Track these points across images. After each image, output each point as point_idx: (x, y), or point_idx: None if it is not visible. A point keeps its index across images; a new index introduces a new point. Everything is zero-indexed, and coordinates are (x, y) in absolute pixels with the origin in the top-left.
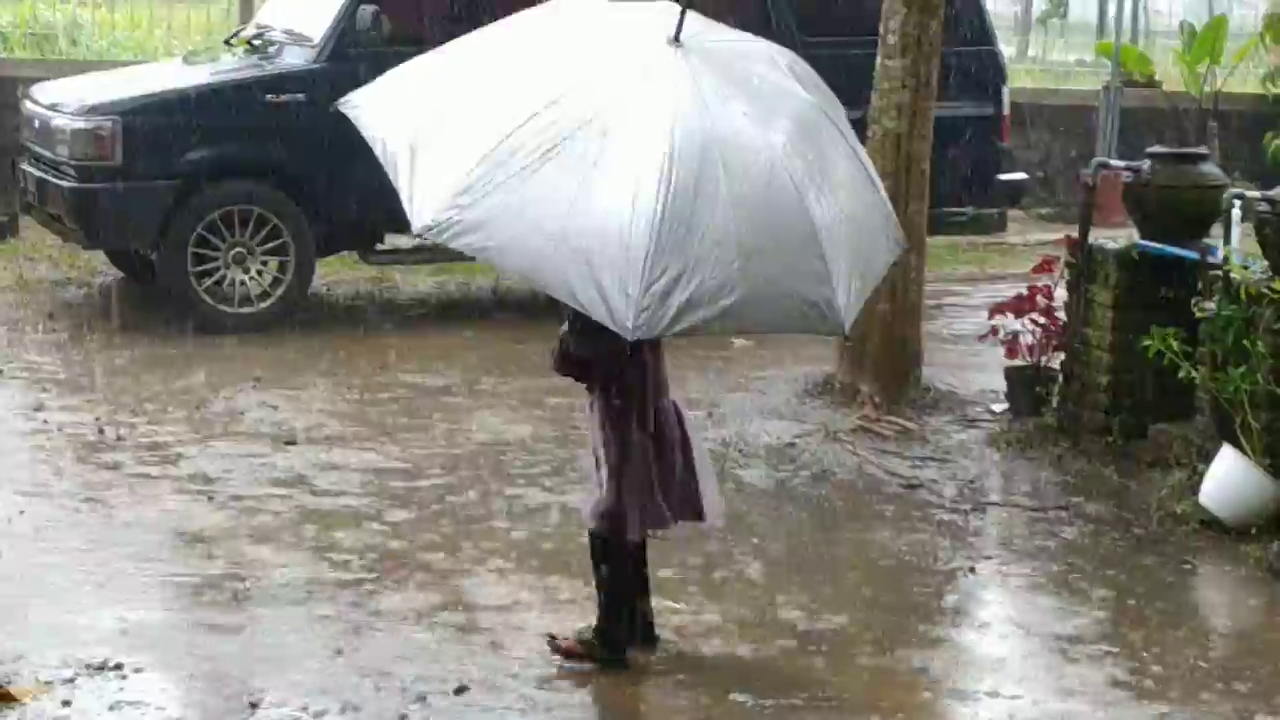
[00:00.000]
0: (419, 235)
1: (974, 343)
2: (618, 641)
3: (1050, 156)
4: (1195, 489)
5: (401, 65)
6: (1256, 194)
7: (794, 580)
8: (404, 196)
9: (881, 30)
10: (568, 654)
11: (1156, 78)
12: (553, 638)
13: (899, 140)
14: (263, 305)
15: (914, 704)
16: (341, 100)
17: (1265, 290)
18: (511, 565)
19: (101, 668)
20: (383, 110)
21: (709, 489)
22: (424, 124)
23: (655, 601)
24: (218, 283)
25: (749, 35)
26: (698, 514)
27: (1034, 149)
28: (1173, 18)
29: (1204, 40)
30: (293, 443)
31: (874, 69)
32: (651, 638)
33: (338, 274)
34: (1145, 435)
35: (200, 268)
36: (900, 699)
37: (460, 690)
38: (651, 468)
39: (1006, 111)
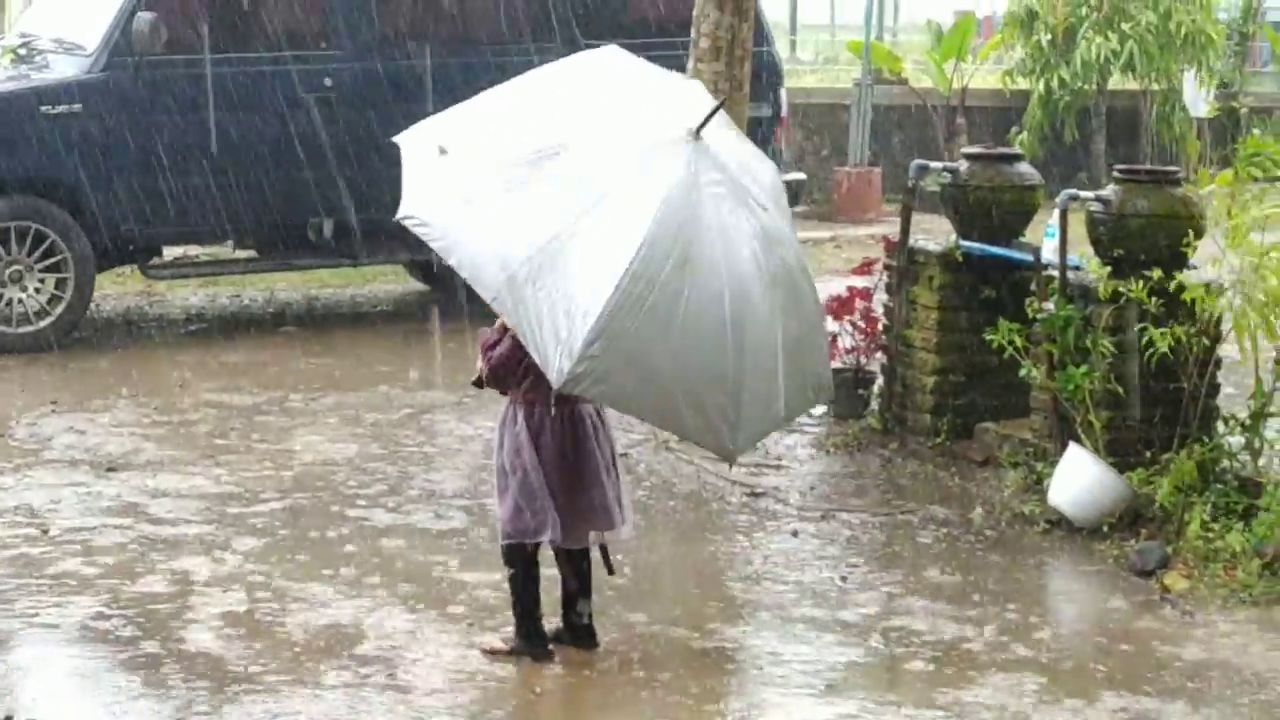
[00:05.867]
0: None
1: None
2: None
3: (804, 155)
4: (1036, 489)
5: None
6: (1090, 194)
7: (669, 594)
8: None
9: (693, 34)
10: (494, 653)
11: (904, 75)
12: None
13: None
14: (42, 324)
15: (811, 715)
16: (401, 214)
17: (1123, 291)
18: (379, 588)
19: None
20: (452, 222)
21: (621, 499)
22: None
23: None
24: None
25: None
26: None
27: (789, 147)
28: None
29: (951, 38)
30: (114, 469)
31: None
32: (589, 638)
33: (101, 290)
34: (971, 435)
35: None
36: (792, 708)
37: None
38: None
39: (784, 113)
